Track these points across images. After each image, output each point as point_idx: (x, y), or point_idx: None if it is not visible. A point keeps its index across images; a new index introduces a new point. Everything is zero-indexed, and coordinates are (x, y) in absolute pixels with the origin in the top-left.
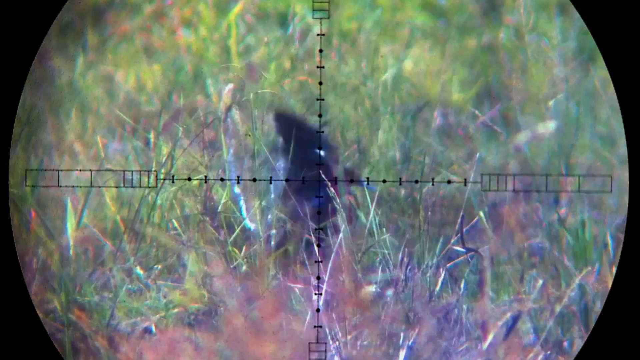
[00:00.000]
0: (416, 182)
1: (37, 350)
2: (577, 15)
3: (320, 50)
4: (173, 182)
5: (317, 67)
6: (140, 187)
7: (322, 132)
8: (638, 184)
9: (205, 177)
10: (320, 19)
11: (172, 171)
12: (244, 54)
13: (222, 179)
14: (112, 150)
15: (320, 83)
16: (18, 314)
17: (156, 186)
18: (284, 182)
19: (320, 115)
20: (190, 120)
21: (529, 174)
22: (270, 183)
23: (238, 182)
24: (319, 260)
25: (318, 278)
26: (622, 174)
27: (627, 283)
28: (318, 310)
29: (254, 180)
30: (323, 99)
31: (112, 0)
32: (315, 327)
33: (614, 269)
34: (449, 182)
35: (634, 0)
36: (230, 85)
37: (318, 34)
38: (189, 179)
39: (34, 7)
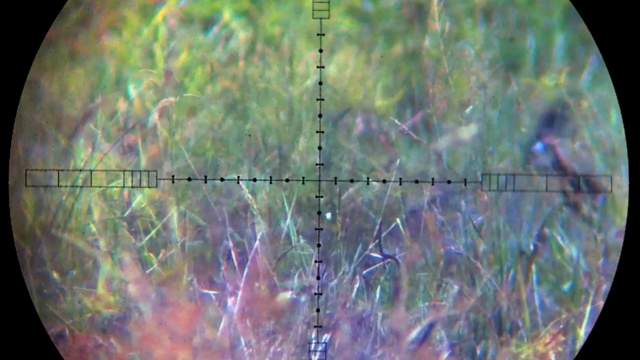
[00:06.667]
0: (416, 181)
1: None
2: (500, 22)
3: (320, 50)
4: (173, 182)
5: (317, 67)
6: (140, 186)
7: (322, 131)
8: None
9: (206, 177)
10: (320, 18)
11: (91, 175)
12: (169, 58)
13: (221, 179)
14: (34, 155)
15: (320, 83)
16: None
17: (156, 186)
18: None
19: (320, 116)
20: (110, 124)
21: (529, 174)
22: (270, 183)
23: (238, 182)
24: (319, 260)
25: (318, 278)
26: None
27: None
28: (318, 310)
29: (254, 180)
30: (323, 99)
31: None
32: (315, 327)
33: (532, 275)
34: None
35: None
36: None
37: (318, 34)
38: (189, 179)
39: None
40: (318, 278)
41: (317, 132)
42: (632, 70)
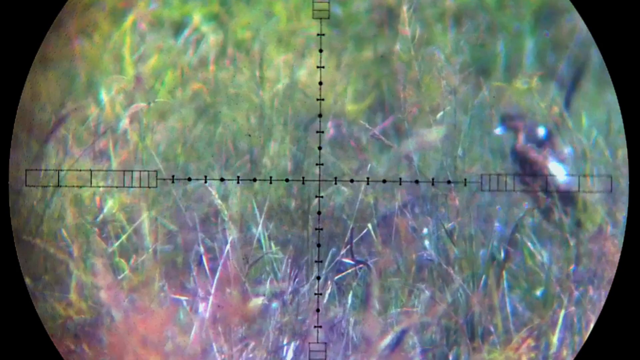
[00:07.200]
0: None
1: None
2: (470, 27)
3: (320, 50)
4: (173, 181)
5: (317, 67)
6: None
7: (322, 131)
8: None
9: (205, 177)
10: (320, 18)
11: (63, 180)
12: (139, 63)
13: (222, 179)
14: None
15: (320, 83)
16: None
17: (156, 187)
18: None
19: (320, 115)
20: (81, 128)
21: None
22: (271, 183)
23: (238, 182)
24: (319, 260)
25: (318, 278)
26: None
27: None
28: (318, 310)
29: (254, 180)
30: (323, 99)
31: None
32: (315, 327)
33: (503, 281)
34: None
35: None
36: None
37: (318, 34)
38: (189, 179)
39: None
40: (318, 278)
41: (317, 132)
42: (632, 72)
